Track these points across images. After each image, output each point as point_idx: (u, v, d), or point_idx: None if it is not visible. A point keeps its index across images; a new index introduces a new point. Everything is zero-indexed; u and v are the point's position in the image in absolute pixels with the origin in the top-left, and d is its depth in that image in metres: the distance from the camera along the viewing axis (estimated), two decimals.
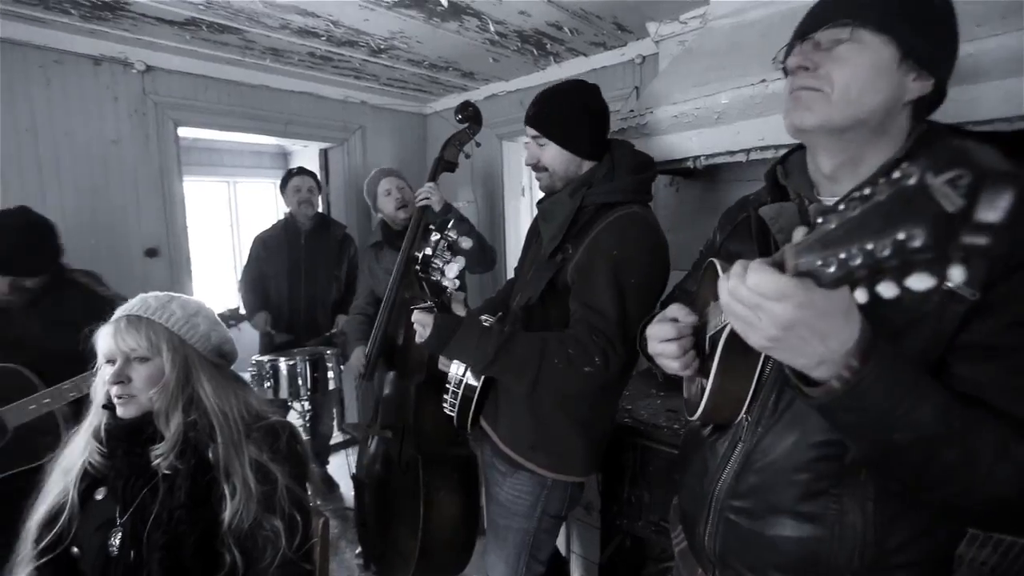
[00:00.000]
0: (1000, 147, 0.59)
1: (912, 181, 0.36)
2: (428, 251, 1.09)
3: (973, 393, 0.58)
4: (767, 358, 0.70)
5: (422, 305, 1.14)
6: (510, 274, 1.64)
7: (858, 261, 0.39)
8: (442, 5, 1.89)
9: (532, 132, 1.28)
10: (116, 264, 2.31)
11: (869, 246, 0.38)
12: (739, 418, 0.74)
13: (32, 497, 1.32)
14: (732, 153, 1.43)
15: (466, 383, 1.33)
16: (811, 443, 0.68)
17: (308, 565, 1.01)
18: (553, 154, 1.26)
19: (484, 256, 2.18)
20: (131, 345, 0.96)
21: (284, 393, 2.17)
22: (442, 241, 1.09)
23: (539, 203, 1.36)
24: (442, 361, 1.44)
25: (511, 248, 3.07)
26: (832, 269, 0.41)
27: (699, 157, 1.50)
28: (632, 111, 1.65)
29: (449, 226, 1.09)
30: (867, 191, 0.39)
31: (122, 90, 2.30)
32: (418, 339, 1.13)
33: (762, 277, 0.49)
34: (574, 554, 1.93)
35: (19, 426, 1.38)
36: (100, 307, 1.61)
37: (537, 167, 1.30)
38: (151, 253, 2.45)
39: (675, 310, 0.80)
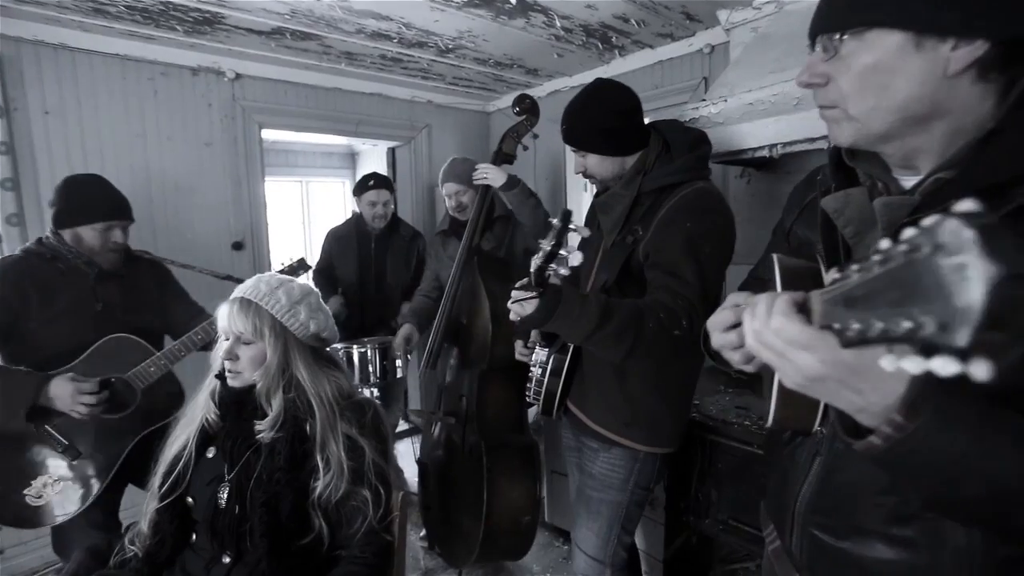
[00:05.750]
0: None
1: (924, 253, 0.30)
2: (553, 242, 1.03)
3: None
4: None
5: (525, 295, 1.10)
6: None
7: (875, 332, 0.34)
8: (510, 3, 1.93)
9: (571, 147, 1.34)
10: (207, 256, 2.52)
11: (884, 319, 0.33)
12: (815, 429, 0.66)
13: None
14: (812, 140, 1.37)
15: (551, 370, 1.38)
16: None
17: (388, 536, 1.08)
18: (595, 163, 1.32)
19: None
20: (240, 328, 1.07)
21: (356, 379, 2.29)
22: (562, 233, 1.04)
23: (595, 197, 1.42)
24: (519, 351, 1.50)
25: (574, 239, 3.07)
26: (851, 333, 0.36)
27: (775, 145, 1.45)
28: (703, 100, 1.62)
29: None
30: (889, 246, 0.33)
31: (215, 97, 2.52)
32: (513, 316, 1.13)
33: (786, 324, 0.45)
34: (638, 550, 1.92)
35: (146, 388, 1.52)
36: (164, 272, 1.79)
37: (586, 175, 1.37)
38: (237, 246, 2.65)
39: (738, 297, 0.70)
